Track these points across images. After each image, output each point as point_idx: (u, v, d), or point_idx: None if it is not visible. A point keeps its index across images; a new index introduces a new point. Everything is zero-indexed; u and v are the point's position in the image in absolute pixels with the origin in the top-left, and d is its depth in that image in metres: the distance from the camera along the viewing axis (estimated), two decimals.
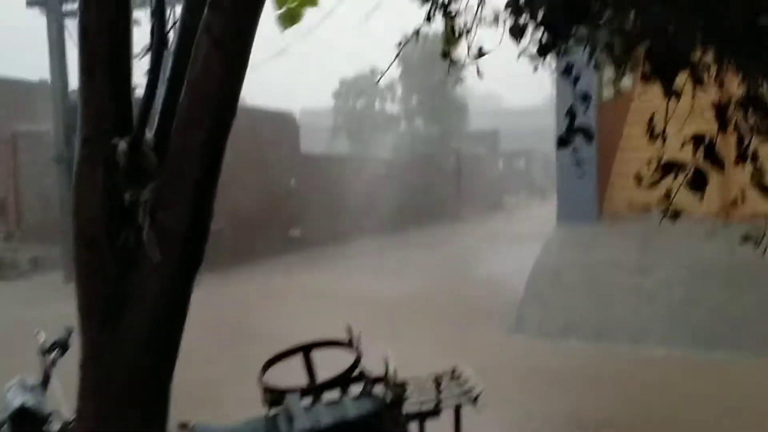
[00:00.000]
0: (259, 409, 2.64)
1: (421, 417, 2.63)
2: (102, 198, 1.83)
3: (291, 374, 2.87)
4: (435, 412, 2.65)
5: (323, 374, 2.85)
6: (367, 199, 17.96)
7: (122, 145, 1.80)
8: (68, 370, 2.47)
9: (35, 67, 16.23)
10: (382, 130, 27.93)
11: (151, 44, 1.91)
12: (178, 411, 2.10)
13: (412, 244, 16.48)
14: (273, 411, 2.53)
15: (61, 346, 2.55)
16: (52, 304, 9.86)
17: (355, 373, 2.70)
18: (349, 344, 2.82)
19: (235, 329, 8.09)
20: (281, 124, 15.58)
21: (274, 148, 14.74)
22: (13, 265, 13.40)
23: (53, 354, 2.52)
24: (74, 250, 1.91)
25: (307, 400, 2.62)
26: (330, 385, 2.72)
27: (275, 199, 14.87)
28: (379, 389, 2.60)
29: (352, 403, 2.55)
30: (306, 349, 2.89)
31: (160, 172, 1.85)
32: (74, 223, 1.90)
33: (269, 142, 14.35)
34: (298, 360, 2.89)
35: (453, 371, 2.88)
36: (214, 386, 5.77)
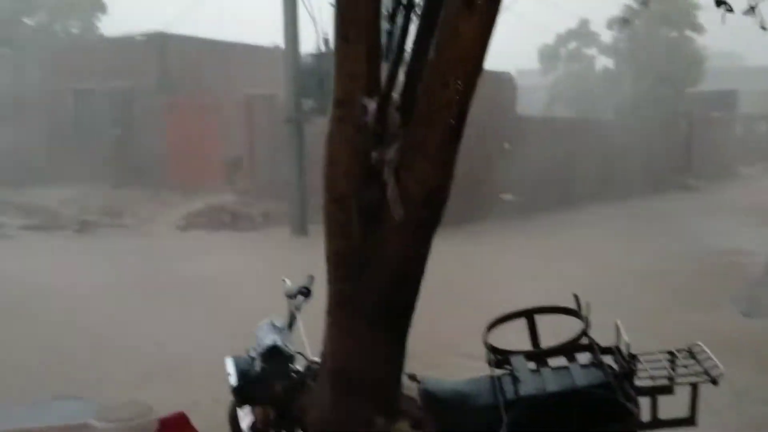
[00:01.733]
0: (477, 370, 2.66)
1: (653, 392, 2.50)
2: (351, 157, 1.93)
3: (510, 338, 2.86)
4: (668, 388, 2.50)
5: (545, 341, 2.82)
6: (587, 164, 17.30)
7: (371, 105, 1.87)
8: (309, 314, 2.67)
9: (269, 33, 17.49)
10: (604, 90, 26.52)
11: (399, 7, 1.96)
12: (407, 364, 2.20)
13: (637, 214, 15.63)
14: (498, 372, 2.54)
15: (305, 292, 2.73)
16: (280, 254, 10.73)
17: (583, 341, 2.63)
18: (575, 312, 2.75)
19: (448, 291, 8.23)
20: (498, 85, 15.41)
21: (490, 109, 14.64)
22: (247, 218, 14.68)
23: (298, 299, 2.71)
24: (324, 206, 2.04)
25: (532, 365, 2.60)
26: (556, 351, 2.67)
27: (489, 162, 14.83)
28: (608, 360, 2.51)
29: (579, 371, 2.49)
30: (531, 314, 2.86)
31: (405, 132, 1.91)
32: (324, 179, 2.02)
33: (485, 103, 14.24)
34: (518, 324, 2.86)
35: (689, 349, 2.69)
36: (438, 343, 5.92)
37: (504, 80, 15.92)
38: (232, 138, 17.06)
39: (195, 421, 1.71)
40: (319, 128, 11.59)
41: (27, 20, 27.13)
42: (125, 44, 19.94)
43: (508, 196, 15.14)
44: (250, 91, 16.74)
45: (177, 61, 18.71)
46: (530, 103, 23.10)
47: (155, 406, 1.54)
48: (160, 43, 18.90)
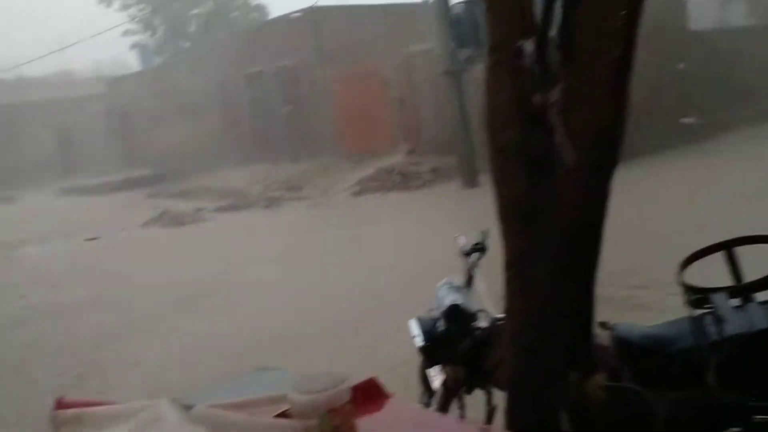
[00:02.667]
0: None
1: None
2: (512, 104, 1.84)
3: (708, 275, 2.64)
4: None
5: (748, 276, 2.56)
6: None
7: (528, 47, 1.77)
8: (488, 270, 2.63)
9: None
10: None
11: None
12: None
13: None
14: (698, 312, 2.35)
15: (480, 248, 2.69)
16: (452, 208, 10.76)
17: None
18: None
19: (635, 230, 7.81)
20: (664, 2, 14.26)
21: (658, 28, 13.59)
22: (417, 176, 14.86)
23: (473, 256, 2.68)
24: (488, 158, 1.96)
25: (736, 302, 2.38)
26: (762, 285, 2.42)
27: (663, 86, 13.83)
28: None
29: None
30: (730, 246, 2.61)
31: (568, 71, 1.78)
32: (487, 130, 1.94)
33: (653, 22, 13.24)
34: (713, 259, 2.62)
35: None
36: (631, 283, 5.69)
37: None
38: (394, 99, 17.24)
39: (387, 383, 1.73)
40: (479, 77, 11.41)
41: (196, 11, 28.91)
42: (283, 24, 20.71)
43: (689, 120, 14.05)
44: (408, 50, 16.75)
45: (333, 33, 19.13)
46: (704, 16, 21.09)
47: (350, 368, 1.58)
48: (315, 18, 19.40)
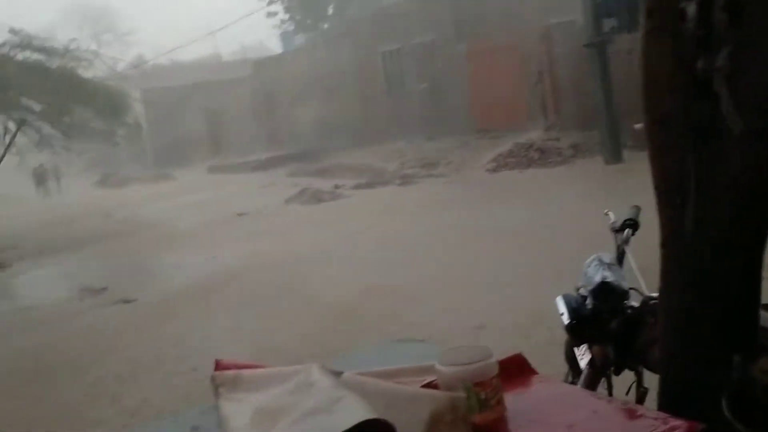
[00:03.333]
0: None
1: None
2: (673, 70, 1.72)
3: None
4: None
5: None
6: None
7: (691, 8, 1.65)
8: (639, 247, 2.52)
9: None
10: None
11: None
12: None
13: None
14: None
15: (632, 224, 2.58)
16: (595, 185, 10.39)
17: None
18: None
19: None
20: None
21: None
22: (556, 152, 14.46)
23: (625, 233, 2.57)
24: (646, 128, 1.86)
25: None
26: None
27: None
28: None
29: None
30: None
31: (734, 33, 1.65)
32: (644, 100, 1.84)
33: None
34: None
35: None
36: None
37: None
38: (533, 73, 16.83)
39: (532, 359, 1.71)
40: (623, 48, 10.86)
41: None
42: (420, 0, 20.65)
43: None
44: (549, 23, 16.30)
45: (471, 7, 18.90)
46: None
47: (497, 345, 1.57)
48: None
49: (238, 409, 1.52)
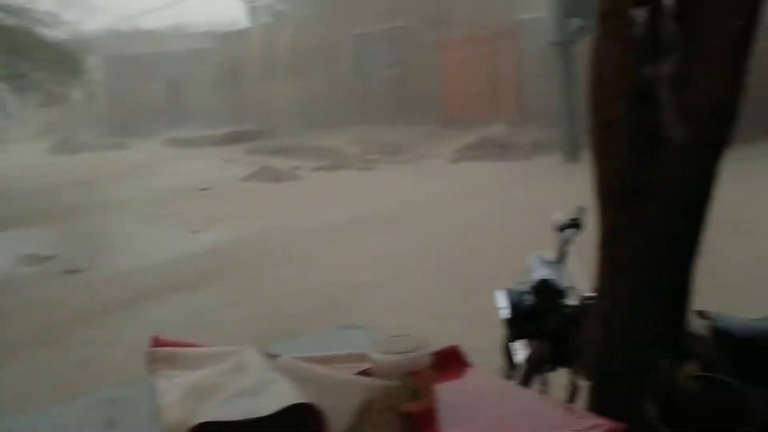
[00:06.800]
0: None
1: None
2: (620, 76, 1.76)
3: None
4: None
5: None
6: None
7: (640, 15, 1.68)
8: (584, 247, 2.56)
9: None
10: None
11: None
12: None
13: None
14: None
15: (576, 224, 2.61)
16: (549, 182, 10.52)
17: None
18: None
19: (744, 219, 7.40)
20: None
21: None
22: (517, 147, 14.59)
23: (568, 232, 2.60)
24: (591, 131, 1.89)
25: None
26: None
27: None
28: None
29: None
30: None
31: (681, 43, 1.68)
32: (591, 103, 1.87)
33: None
34: None
35: None
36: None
37: None
38: (501, 68, 16.92)
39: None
40: (588, 48, 11.02)
41: None
42: None
43: None
44: (521, 17, 16.35)
45: None
46: None
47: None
48: None
49: (171, 385, 1.51)
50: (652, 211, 1.77)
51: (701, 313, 2.27)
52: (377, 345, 1.49)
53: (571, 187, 6.56)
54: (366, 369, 1.50)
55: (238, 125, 25.39)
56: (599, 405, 1.90)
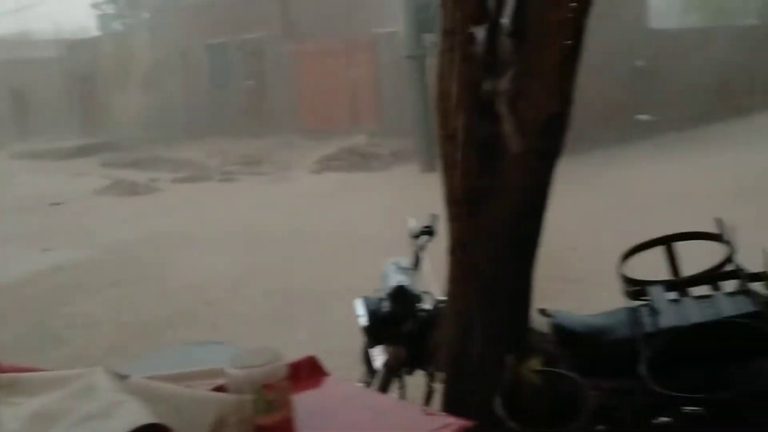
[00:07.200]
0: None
1: None
2: (462, 90, 1.85)
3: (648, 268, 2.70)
4: None
5: (687, 271, 2.63)
6: (729, 76, 15.91)
7: (480, 33, 1.78)
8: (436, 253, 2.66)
9: None
10: None
11: None
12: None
13: None
14: (635, 304, 2.41)
15: (429, 231, 2.70)
16: (408, 191, 10.79)
17: (729, 268, 2.43)
18: (718, 237, 2.54)
19: (582, 221, 7.95)
20: None
21: (618, 25, 13.75)
22: (377, 157, 14.85)
23: (421, 239, 2.69)
24: (438, 143, 1.98)
25: (672, 295, 2.44)
26: (699, 280, 2.49)
27: (620, 81, 14.01)
28: (758, 287, 2.31)
29: (726, 300, 2.31)
30: (669, 241, 2.68)
31: (518, 59, 1.80)
32: (437, 115, 1.96)
33: (612, 18, 13.35)
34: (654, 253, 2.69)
35: None
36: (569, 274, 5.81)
37: None
38: (359, 79, 17.17)
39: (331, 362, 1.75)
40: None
41: None
42: None
43: (644, 117, 14.30)
44: (377, 31, 16.67)
45: (301, 7, 18.90)
46: (665, 15, 21.42)
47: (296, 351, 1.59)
48: None
49: (14, 413, 1.43)
50: (495, 216, 1.87)
51: (544, 311, 2.43)
52: (232, 359, 1.48)
53: (427, 195, 6.77)
54: (221, 384, 1.49)
55: (91, 137, 24.14)
56: (453, 404, 1.98)
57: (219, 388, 1.48)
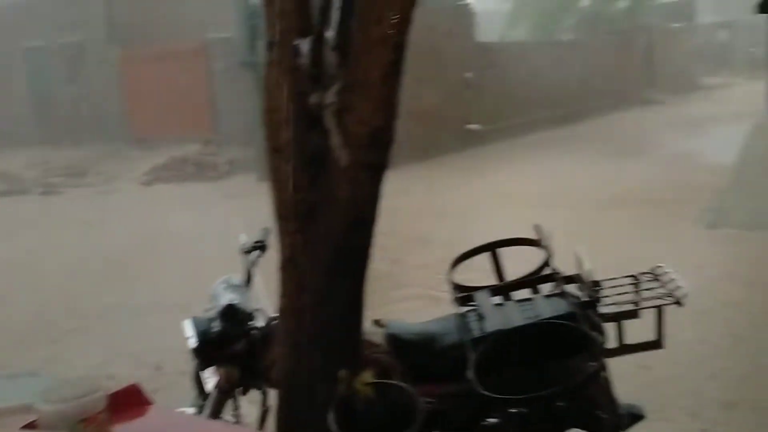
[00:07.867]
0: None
1: (618, 318, 2.48)
2: (289, 103, 1.83)
3: (477, 274, 2.82)
4: (633, 313, 2.47)
5: (510, 275, 2.77)
6: (549, 87, 17.14)
7: (305, 46, 1.76)
8: (268, 268, 2.61)
9: None
10: (563, 10, 26.08)
11: None
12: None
13: (601, 133, 15.70)
14: (463, 309, 2.50)
15: (261, 246, 2.65)
16: (245, 202, 10.60)
17: (546, 271, 2.59)
18: (538, 243, 2.70)
19: (411, 230, 8.15)
20: (455, 13, 15.12)
21: (448, 39, 14.38)
22: (212, 167, 14.47)
23: (253, 254, 2.63)
24: (266, 156, 1.94)
25: (497, 299, 2.56)
26: (519, 284, 2.63)
27: (451, 92, 14.63)
28: (572, 289, 2.48)
29: (544, 302, 2.46)
30: (493, 247, 2.81)
31: (343, 73, 1.80)
32: (264, 129, 1.92)
33: (442, 32, 13.96)
34: (482, 260, 2.82)
35: (653, 271, 2.67)
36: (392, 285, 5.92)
37: (460, 9, 15.60)
38: (190, 86, 16.66)
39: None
40: None
41: None
42: None
43: (474, 126, 15.04)
44: (209, 36, 16.26)
45: (126, 10, 18.08)
46: (490, 30, 22.71)
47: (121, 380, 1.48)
48: None
49: None
50: (325, 229, 1.86)
51: (377, 322, 2.45)
52: (43, 393, 1.35)
53: (265, 205, 6.69)
54: (33, 421, 1.36)
55: None
56: (287, 423, 1.94)
57: (31, 426, 1.35)
